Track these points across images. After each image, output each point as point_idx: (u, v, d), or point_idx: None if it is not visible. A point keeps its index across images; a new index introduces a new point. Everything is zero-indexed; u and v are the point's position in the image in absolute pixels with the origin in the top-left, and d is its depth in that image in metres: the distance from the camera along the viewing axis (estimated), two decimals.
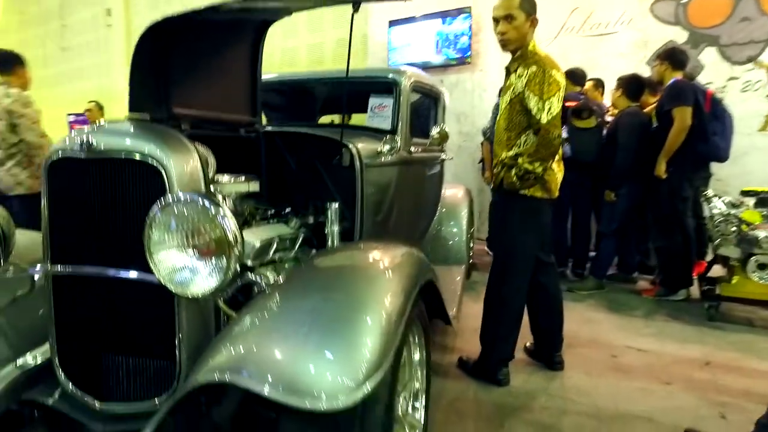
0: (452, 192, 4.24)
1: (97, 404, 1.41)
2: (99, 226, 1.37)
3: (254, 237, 1.69)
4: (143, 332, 1.39)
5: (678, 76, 3.61)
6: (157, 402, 1.37)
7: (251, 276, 1.37)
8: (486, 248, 5.20)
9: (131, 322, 1.39)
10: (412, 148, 2.70)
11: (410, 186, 2.79)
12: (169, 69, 1.61)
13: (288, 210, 2.12)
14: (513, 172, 2.13)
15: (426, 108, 3.49)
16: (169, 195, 1.23)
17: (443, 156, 3.53)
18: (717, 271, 3.51)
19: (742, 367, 2.53)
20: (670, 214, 3.62)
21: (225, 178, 1.71)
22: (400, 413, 1.42)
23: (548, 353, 2.48)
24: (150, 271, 1.23)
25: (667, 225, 3.67)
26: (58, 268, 1.41)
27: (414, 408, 1.58)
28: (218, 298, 1.32)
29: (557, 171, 2.25)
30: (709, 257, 3.76)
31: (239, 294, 1.47)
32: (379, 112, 2.64)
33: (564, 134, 4.14)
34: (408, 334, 1.32)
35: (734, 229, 3.09)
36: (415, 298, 1.28)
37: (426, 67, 5.60)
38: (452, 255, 3.85)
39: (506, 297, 2.28)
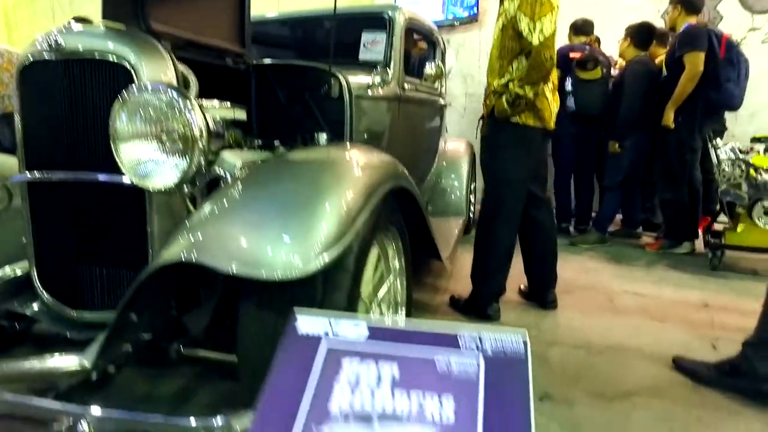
0: (454, 146, 4.19)
1: (73, 313, 1.41)
2: (70, 129, 1.34)
3: (236, 158, 1.66)
4: (116, 242, 1.38)
5: (692, 20, 3.45)
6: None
7: (217, 170, 1.34)
8: None
9: (104, 231, 1.38)
10: (407, 86, 2.63)
11: (404, 125, 2.72)
12: None
13: (276, 143, 2.08)
14: (504, 98, 2.06)
15: (423, 57, 3.39)
16: (136, 84, 1.19)
17: (441, 101, 3.44)
18: (722, 221, 3.42)
19: (740, 308, 2.48)
20: (678, 166, 3.51)
21: (208, 102, 1.67)
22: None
23: (541, 292, 2.44)
24: (120, 172, 1.21)
25: (673, 177, 3.57)
26: (32, 174, 1.39)
27: (395, 321, 1.56)
28: (187, 199, 1.30)
29: (552, 101, 2.18)
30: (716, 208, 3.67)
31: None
32: (371, 48, 2.57)
33: (568, 87, 4.06)
34: (378, 229, 1.29)
35: (742, 173, 2.99)
36: (382, 197, 1.25)
37: None
38: (451, 207, 3.82)
39: (497, 230, 2.24)
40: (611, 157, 3.92)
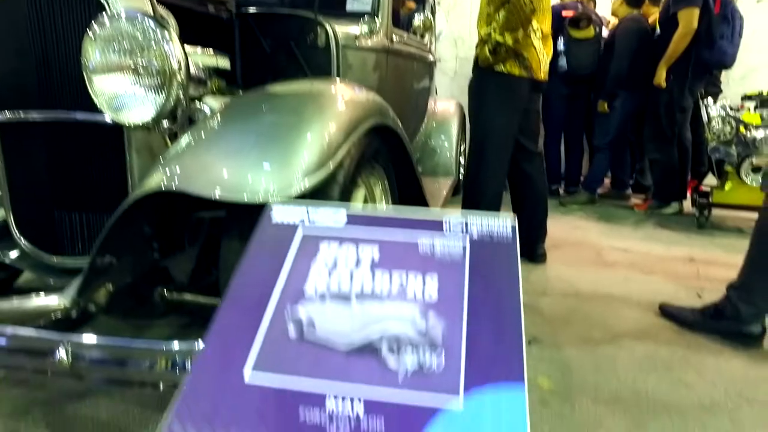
0: (444, 106, 4.13)
1: (54, 259, 1.37)
2: (40, 65, 1.28)
3: (215, 102, 1.60)
4: (95, 185, 1.33)
5: None
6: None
7: (197, 104, 1.29)
8: None
9: (82, 173, 1.33)
10: (395, 38, 2.55)
11: (392, 79, 2.65)
12: None
13: None
14: (486, 47, 2.02)
15: (412, 13, 3.30)
16: (108, 10, 1.13)
17: (431, 57, 3.36)
18: (709, 184, 3.43)
19: (726, 262, 2.49)
20: (667, 126, 3.49)
21: (190, 48, 1.60)
22: None
23: (530, 245, 2.44)
24: (97, 110, 1.16)
25: (663, 137, 3.56)
26: (6, 114, 1.32)
27: None
28: (166, 136, 1.25)
29: (541, 50, 2.12)
30: (705, 169, 3.69)
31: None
32: None
33: (560, 46, 3.99)
34: (362, 168, 1.26)
35: (732, 130, 2.98)
36: (364, 132, 1.21)
37: None
38: (440, 167, 3.80)
39: (483, 181, 2.21)
40: (600, 117, 3.89)
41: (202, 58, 1.68)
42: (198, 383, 0.37)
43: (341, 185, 1.07)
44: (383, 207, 1.52)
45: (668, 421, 1.20)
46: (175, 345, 0.80)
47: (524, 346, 0.40)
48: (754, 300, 1.54)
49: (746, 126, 2.99)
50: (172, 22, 1.48)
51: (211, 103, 1.38)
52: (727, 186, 3.18)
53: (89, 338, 0.83)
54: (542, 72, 2.16)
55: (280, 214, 0.49)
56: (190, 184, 0.95)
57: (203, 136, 1.06)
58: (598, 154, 3.97)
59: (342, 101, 1.24)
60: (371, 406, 0.34)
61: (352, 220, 0.47)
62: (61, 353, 0.80)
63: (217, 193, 0.90)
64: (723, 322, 1.60)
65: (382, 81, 2.46)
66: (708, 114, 3.18)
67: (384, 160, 1.49)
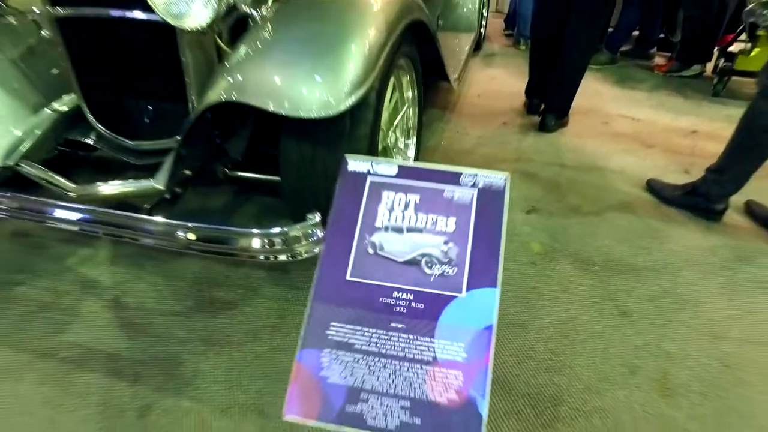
0: None
1: (129, 143, 1.60)
2: None
3: (263, 7, 1.65)
4: (156, 76, 1.49)
5: None
6: (178, 138, 1.55)
7: (245, 9, 1.40)
8: (504, 27, 4.91)
9: (141, 65, 1.48)
10: None
11: None
12: None
13: None
14: None
15: None
16: None
17: None
18: (740, 46, 3.35)
19: (725, 136, 2.61)
20: None
21: None
22: (392, 144, 1.62)
23: (544, 113, 2.62)
24: (150, 10, 1.27)
25: None
26: (59, 10, 1.43)
27: (406, 144, 1.78)
28: (216, 36, 1.39)
29: None
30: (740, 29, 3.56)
31: (238, 32, 1.52)
32: None
33: None
34: (394, 64, 1.41)
35: None
36: (400, 33, 1.33)
37: None
38: (462, 22, 3.71)
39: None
40: None
41: None
42: (322, 280, 0.64)
43: (377, 90, 1.24)
44: (410, 95, 1.68)
45: (624, 279, 1.54)
46: (254, 230, 1.10)
47: (500, 265, 0.65)
48: (724, 183, 1.77)
49: None
50: None
51: (261, 7, 1.46)
52: (754, 52, 3.14)
53: (202, 224, 1.12)
54: None
55: (353, 165, 0.71)
56: (251, 96, 1.14)
57: (257, 48, 1.21)
58: (628, 8, 3.80)
59: (376, 3, 1.33)
60: (416, 295, 0.62)
61: (401, 172, 0.70)
62: (186, 234, 1.11)
63: (279, 108, 1.10)
64: (695, 199, 1.86)
65: None
66: None
67: (413, 55, 1.60)
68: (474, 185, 0.68)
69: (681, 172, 2.22)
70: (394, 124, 1.64)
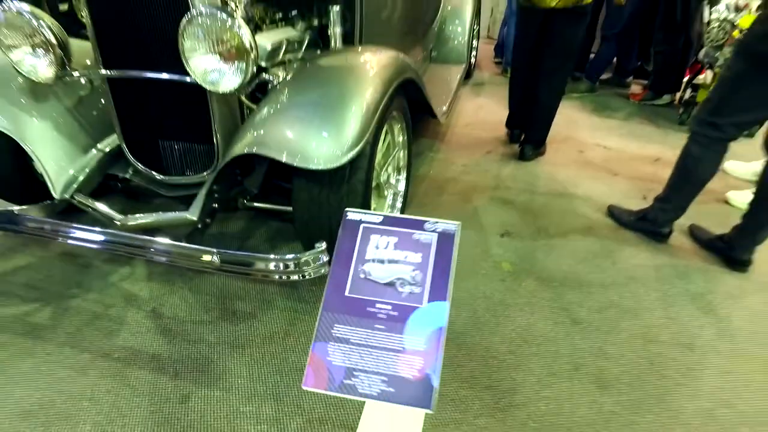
0: None
1: (161, 177, 1.90)
2: (138, 35, 1.66)
3: (266, 40, 1.97)
4: (187, 123, 1.79)
5: None
6: (204, 174, 1.86)
7: (266, 75, 1.71)
8: (494, 55, 5.25)
9: (177, 115, 1.79)
10: None
11: None
12: None
13: (294, 13, 2.32)
14: None
15: None
16: (193, 9, 1.50)
17: None
18: (705, 77, 3.68)
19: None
20: (681, 14, 3.62)
21: None
22: (384, 181, 1.92)
23: (522, 143, 2.94)
24: (183, 73, 1.58)
25: (674, 26, 3.70)
26: (110, 72, 1.74)
27: (398, 180, 2.09)
28: (241, 94, 1.70)
29: None
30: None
31: (257, 91, 1.84)
32: None
33: None
34: (386, 120, 1.72)
35: (726, 35, 3.19)
36: (392, 93, 1.64)
37: None
38: (453, 55, 4.04)
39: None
40: (613, 8, 3.98)
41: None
42: (328, 296, 0.94)
43: (372, 142, 1.55)
44: (401, 139, 1.99)
45: (578, 293, 1.83)
46: (271, 256, 1.39)
47: (451, 286, 0.95)
48: (668, 210, 2.08)
49: (741, 31, 3.18)
50: None
51: (263, 44, 1.78)
52: (712, 86, 3.46)
53: (229, 251, 1.42)
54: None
55: (351, 215, 1.01)
56: (269, 149, 1.44)
57: (275, 109, 1.52)
58: (606, 43, 4.15)
59: (373, 69, 1.65)
60: (392, 306, 0.92)
61: (384, 220, 1.00)
62: (214, 258, 1.40)
63: (288, 159, 1.40)
64: (646, 224, 2.17)
65: None
66: (710, 15, 3.34)
67: (403, 107, 1.92)
68: (434, 230, 0.98)
69: (640, 198, 2.53)
70: (387, 163, 1.95)
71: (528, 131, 2.95)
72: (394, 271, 0.96)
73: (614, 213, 2.33)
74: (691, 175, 1.97)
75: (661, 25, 3.83)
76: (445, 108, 3.06)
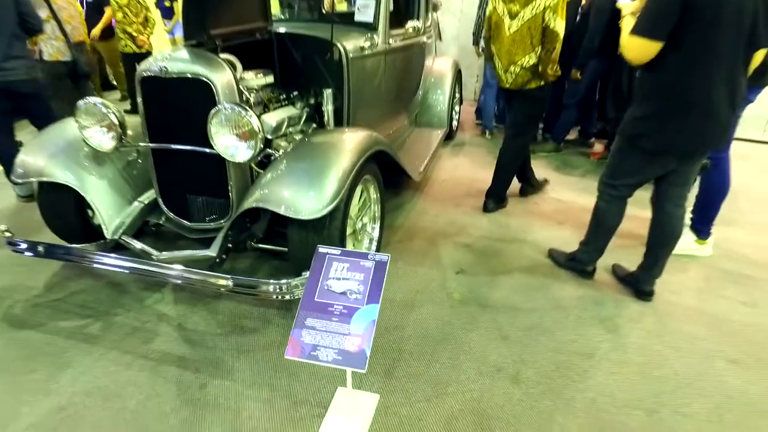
0: (440, 65, 4.90)
1: (187, 223, 2.47)
2: (177, 118, 2.27)
3: (272, 119, 2.59)
4: (210, 183, 2.37)
5: None
6: (221, 222, 2.42)
7: (270, 150, 2.30)
8: (475, 117, 5.90)
9: (202, 177, 2.37)
10: (391, 41, 3.38)
11: (391, 69, 3.52)
12: (205, 6, 2.35)
13: (295, 94, 2.96)
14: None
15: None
16: (219, 105, 2.10)
17: (424, 39, 4.14)
18: None
19: (628, 215, 3.50)
20: (626, 86, 4.24)
21: (249, 74, 2.56)
22: (359, 228, 2.47)
23: (486, 197, 3.51)
24: (209, 147, 2.17)
25: (621, 97, 4.32)
26: (154, 145, 2.34)
27: (373, 228, 2.64)
28: (252, 162, 2.28)
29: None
30: None
31: (264, 159, 2.43)
32: (363, 11, 3.27)
33: None
34: (359, 182, 2.29)
35: None
36: (363, 163, 2.22)
37: None
38: (435, 119, 4.69)
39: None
40: (572, 80, 4.64)
41: (257, 81, 2.64)
42: (304, 300, 1.46)
43: (345, 199, 2.11)
44: (374, 196, 2.56)
45: (510, 317, 2.32)
46: (270, 281, 1.93)
47: (382, 293, 1.45)
48: (590, 252, 2.60)
49: None
50: (237, 64, 2.45)
51: (268, 121, 2.38)
52: None
53: (240, 277, 1.96)
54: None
55: (321, 249, 1.55)
56: (271, 203, 2.01)
57: (276, 174, 2.10)
58: (566, 111, 4.78)
59: (351, 143, 2.24)
60: (344, 306, 1.43)
61: (342, 253, 1.54)
62: (228, 282, 1.94)
63: (284, 211, 1.96)
64: (574, 263, 2.68)
65: (383, 73, 3.36)
66: None
67: (375, 172, 2.50)
68: (373, 259, 1.52)
69: (576, 243, 3.04)
70: (363, 214, 2.51)
71: (491, 187, 3.50)
72: (346, 285, 1.50)
73: (553, 255, 2.84)
74: (601, 224, 2.50)
75: (611, 93, 4.46)
76: (422, 168, 3.65)
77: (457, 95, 5.32)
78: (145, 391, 1.85)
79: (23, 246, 2.28)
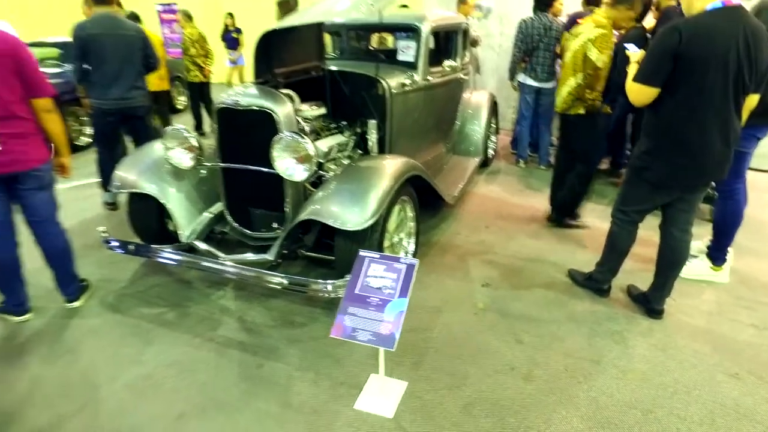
0: (477, 98, 5.25)
1: (249, 232, 2.90)
2: (245, 143, 2.72)
3: (323, 145, 3.01)
4: (269, 198, 2.80)
5: (672, 3, 4.19)
6: (278, 231, 2.82)
7: (322, 171, 2.71)
8: (512, 147, 6.18)
9: (263, 193, 2.80)
10: (430, 78, 3.78)
11: (430, 103, 3.91)
12: (271, 51, 2.82)
13: (344, 123, 3.39)
14: None
15: (451, 38, 4.45)
16: (280, 133, 2.53)
17: (461, 75, 4.52)
18: None
19: (647, 240, 3.69)
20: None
21: (305, 106, 3.00)
22: (396, 242, 2.82)
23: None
24: (271, 168, 2.59)
25: None
26: (226, 165, 2.80)
27: (408, 242, 2.98)
28: (306, 182, 2.69)
29: None
30: None
31: (316, 180, 2.83)
32: (405, 52, 3.70)
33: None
34: (397, 200, 2.66)
35: None
36: (400, 185, 2.59)
37: None
38: (471, 149, 5.02)
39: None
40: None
41: (311, 112, 3.08)
42: (347, 293, 1.81)
43: (384, 215, 2.47)
44: (411, 215, 2.92)
45: (528, 325, 2.59)
46: (319, 281, 2.29)
47: (410, 290, 1.78)
48: (604, 272, 2.83)
49: None
50: (296, 98, 2.89)
51: (320, 147, 2.79)
52: None
53: (294, 276, 2.34)
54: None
55: (362, 252, 1.91)
56: (322, 216, 2.40)
57: (327, 192, 2.49)
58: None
59: (390, 168, 2.62)
60: (380, 298, 1.77)
61: (381, 256, 1.89)
62: (284, 280, 2.32)
63: (333, 223, 2.34)
64: (591, 282, 2.92)
65: (423, 107, 3.75)
66: None
67: (411, 194, 2.87)
68: (404, 263, 1.86)
69: (595, 264, 3.27)
70: (400, 230, 2.86)
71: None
72: (382, 282, 1.84)
73: (572, 274, 3.09)
74: (614, 247, 2.74)
75: (638, 126, 4.67)
76: (456, 193, 3.98)
77: (493, 126, 5.64)
78: (213, 367, 2.24)
79: (116, 244, 2.76)
